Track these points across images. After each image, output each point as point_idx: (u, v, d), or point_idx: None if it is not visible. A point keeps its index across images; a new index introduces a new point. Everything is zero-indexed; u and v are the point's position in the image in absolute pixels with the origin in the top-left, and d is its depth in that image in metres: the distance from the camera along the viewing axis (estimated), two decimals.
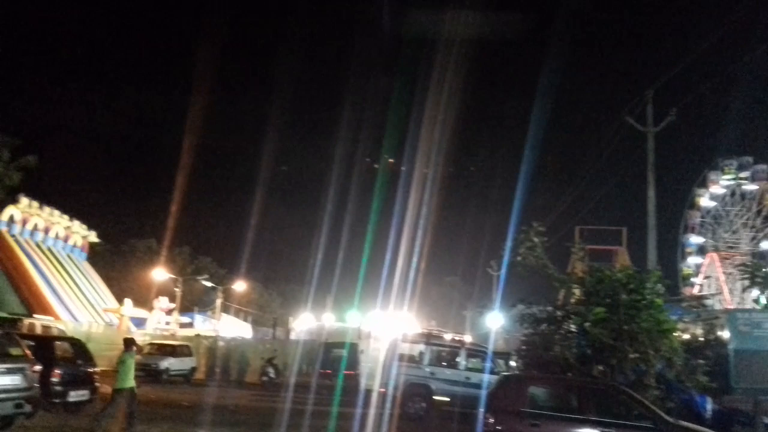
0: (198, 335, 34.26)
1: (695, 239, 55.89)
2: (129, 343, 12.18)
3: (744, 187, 54.58)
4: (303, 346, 27.86)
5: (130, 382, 11.62)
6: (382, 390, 17.08)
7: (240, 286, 48.31)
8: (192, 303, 47.92)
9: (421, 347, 18.19)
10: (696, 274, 55.27)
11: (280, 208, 64.46)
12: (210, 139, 69.52)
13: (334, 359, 23.95)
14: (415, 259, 31.25)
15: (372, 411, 14.98)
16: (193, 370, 27.06)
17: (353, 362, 23.16)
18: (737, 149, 55.17)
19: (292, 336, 38.76)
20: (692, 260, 55.84)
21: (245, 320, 49.33)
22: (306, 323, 40.81)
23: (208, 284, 47.50)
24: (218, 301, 44.20)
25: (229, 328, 42.91)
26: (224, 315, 45.60)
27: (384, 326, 28.08)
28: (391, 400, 16.25)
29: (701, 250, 55.82)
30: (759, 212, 54.45)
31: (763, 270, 16.12)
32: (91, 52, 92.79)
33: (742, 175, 54.33)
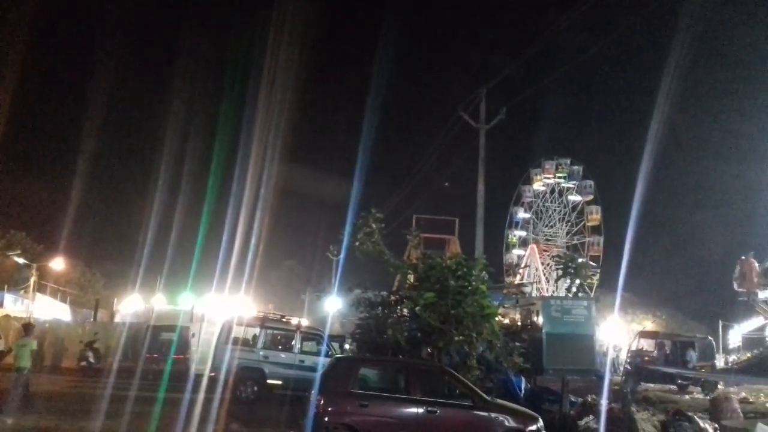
0: (7, 316, 31.05)
1: (523, 214, 60.86)
2: (29, 328, 14.16)
3: (570, 196, 60.48)
4: (129, 329, 26.25)
5: (26, 362, 13.06)
6: (213, 374, 16.60)
7: (58, 264, 44.45)
8: (1, 281, 43.33)
9: (256, 331, 17.90)
10: (518, 245, 60.28)
11: (106, 181, 60.14)
12: (24, 98, 62.89)
13: (163, 343, 22.89)
14: (253, 242, 30.67)
15: (201, 396, 14.49)
16: (1, 354, 24.47)
17: (183, 346, 22.27)
18: (571, 155, 61.08)
19: (117, 319, 36.40)
20: (518, 232, 60.81)
21: (64, 301, 45.56)
22: (133, 305, 38.52)
23: (21, 261, 43.22)
24: (32, 280, 40.40)
25: (44, 309, 39.37)
26: (39, 295, 41.77)
27: (218, 309, 27.25)
28: (222, 384, 15.83)
29: (525, 228, 60.91)
30: (577, 224, 60.57)
31: (576, 262, 17.69)
32: None
33: (570, 183, 60.21)
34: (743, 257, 37.21)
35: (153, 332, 23.75)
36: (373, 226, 14.64)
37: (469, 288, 13.61)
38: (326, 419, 10.08)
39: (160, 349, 22.48)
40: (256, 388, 16.61)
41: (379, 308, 14.66)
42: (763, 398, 19.74)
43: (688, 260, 53.87)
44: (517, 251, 60.19)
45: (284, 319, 19.19)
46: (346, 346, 19.31)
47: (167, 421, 11.97)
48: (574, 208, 60.61)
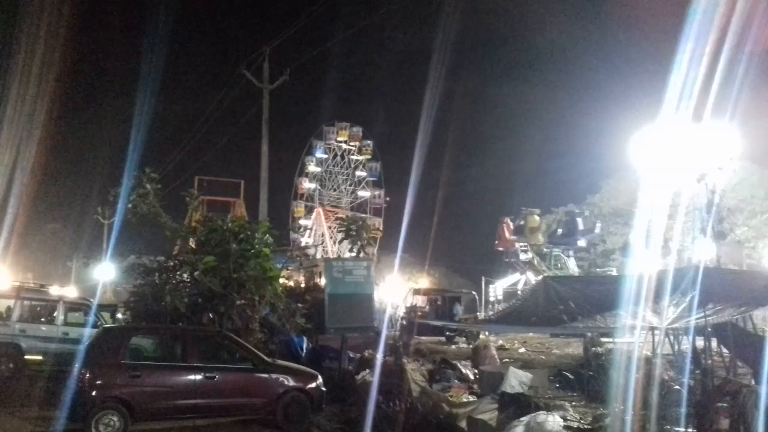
0: None
1: (309, 183, 61.41)
2: None
3: (358, 172, 62.15)
4: None
5: None
6: None
7: None
8: None
9: (10, 302, 16.01)
10: (305, 215, 60.99)
11: None
12: None
13: None
14: (11, 203, 27.31)
15: None
16: None
17: None
18: (344, 112, 62.47)
19: None
20: (307, 185, 61.40)
21: None
22: None
23: None
24: None
25: None
26: None
27: None
28: None
29: (311, 198, 61.66)
30: (359, 182, 62.55)
31: (358, 224, 18.35)
32: None
33: (341, 138, 61.76)
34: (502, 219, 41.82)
35: None
36: (148, 186, 13.83)
37: (252, 251, 13.47)
38: (93, 393, 9.47)
39: None
40: (11, 365, 14.96)
41: (156, 274, 13.95)
42: (517, 345, 22.35)
43: (458, 222, 58.77)
44: (303, 222, 60.74)
45: (44, 289, 17.43)
46: (119, 316, 18.09)
47: None
48: (355, 167, 62.60)
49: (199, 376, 10.08)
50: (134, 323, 13.89)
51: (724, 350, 14.41)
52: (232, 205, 39.79)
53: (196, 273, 13.29)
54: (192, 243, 14.45)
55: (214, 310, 13.37)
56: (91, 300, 17.78)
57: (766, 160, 36.03)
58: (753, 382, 10.94)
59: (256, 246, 13.58)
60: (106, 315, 17.68)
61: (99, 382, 9.57)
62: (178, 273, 14.17)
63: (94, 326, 15.27)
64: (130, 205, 13.84)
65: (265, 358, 11.09)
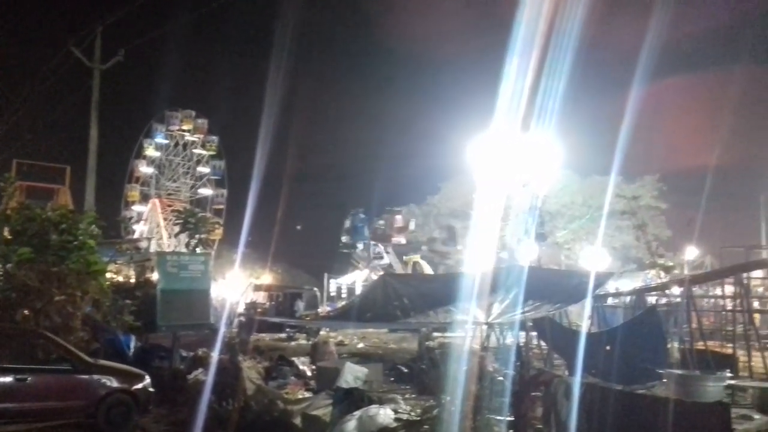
0: None
1: (145, 168, 57.71)
2: None
3: (194, 150, 59.11)
4: None
5: None
6: None
7: None
8: None
9: None
10: (140, 201, 57.33)
11: None
12: None
13: None
14: None
15: None
16: None
17: None
18: (186, 102, 59.43)
19: None
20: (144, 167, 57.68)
21: None
22: None
23: None
24: None
25: None
26: None
27: None
28: None
29: (147, 184, 58.10)
30: (201, 178, 59.90)
31: (196, 216, 17.64)
32: None
33: (195, 137, 58.87)
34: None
35: None
36: None
37: (75, 243, 12.57)
38: None
39: None
40: None
41: None
42: (356, 340, 22.81)
43: (302, 219, 58.66)
44: (138, 207, 57.07)
45: None
46: None
47: None
48: (198, 162, 59.88)
49: (8, 378, 9.30)
50: None
51: (543, 343, 15.67)
52: (55, 192, 36.63)
53: (9, 266, 12.18)
54: (6, 233, 13.19)
55: (30, 306, 12.28)
56: None
57: (585, 170, 39.92)
58: (567, 373, 12.02)
59: (80, 237, 12.68)
60: None
61: None
62: None
63: None
64: None
65: (86, 358, 10.41)
